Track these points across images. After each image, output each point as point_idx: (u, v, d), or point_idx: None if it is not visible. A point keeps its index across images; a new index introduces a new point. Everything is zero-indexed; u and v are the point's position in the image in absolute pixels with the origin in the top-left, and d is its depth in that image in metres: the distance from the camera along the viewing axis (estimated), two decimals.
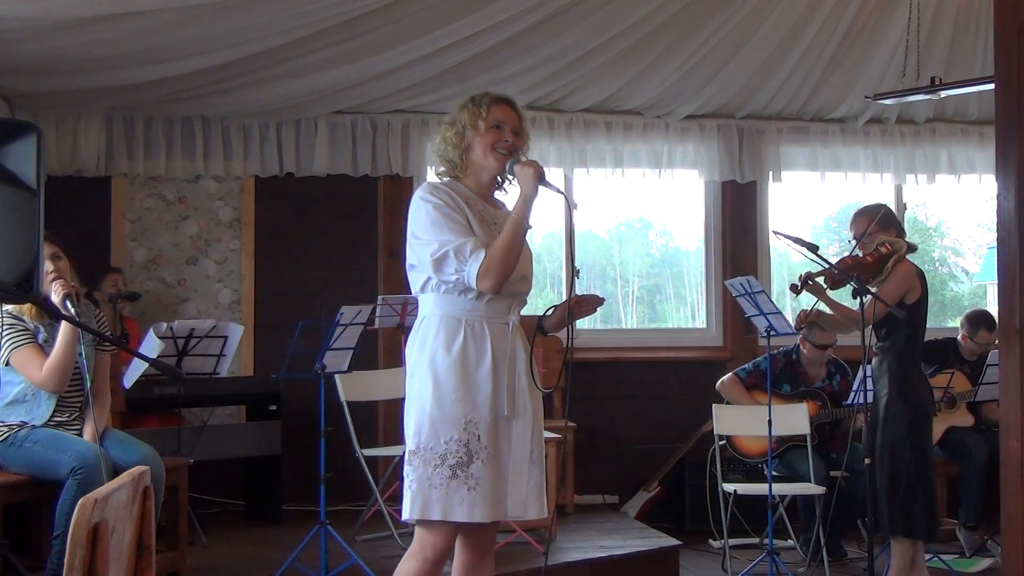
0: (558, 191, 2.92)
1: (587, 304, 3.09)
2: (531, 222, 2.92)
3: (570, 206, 3.00)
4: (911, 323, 4.53)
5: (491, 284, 2.82)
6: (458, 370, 2.85)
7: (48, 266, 3.91)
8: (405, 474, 2.86)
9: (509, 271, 2.84)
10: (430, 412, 2.84)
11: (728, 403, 5.68)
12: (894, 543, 4.60)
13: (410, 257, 2.95)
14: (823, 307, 4.64)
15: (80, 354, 3.91)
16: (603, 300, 3.14)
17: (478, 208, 2.97)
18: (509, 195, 3.07)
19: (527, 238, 3.00)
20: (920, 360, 4.68)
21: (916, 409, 4.52)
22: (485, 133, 2.99)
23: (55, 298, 3.80)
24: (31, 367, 3.88)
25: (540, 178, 2.89)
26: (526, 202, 2.88)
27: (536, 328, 3.05)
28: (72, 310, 3.74)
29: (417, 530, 2.90)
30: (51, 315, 3.82)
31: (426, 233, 2.88)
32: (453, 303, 2.90)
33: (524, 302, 3.04)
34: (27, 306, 3.91)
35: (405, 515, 2.84)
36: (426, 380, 2.87)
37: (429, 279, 2.90)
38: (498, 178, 3.03)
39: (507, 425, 2.90)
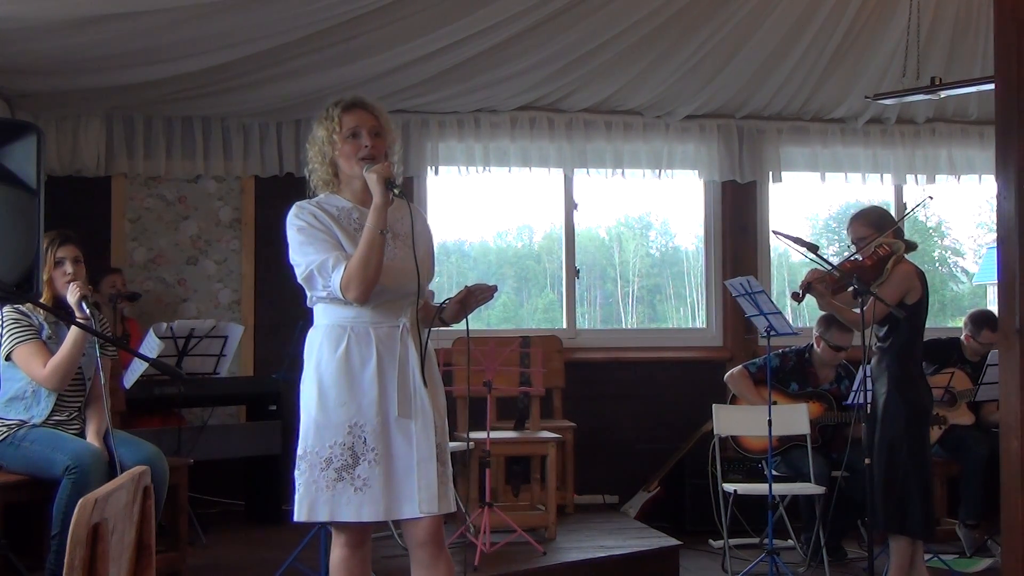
0: (401, 195, 2.91)
1: (480, 293, 3.09)
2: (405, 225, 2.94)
3: (410, 208, 2.98)
4: (911, 323, 4.52)
5: (355, 294, 2.86)
6: (342, 375, 2.90)
7: (68, 268, 3.93)
8: (295, 477, 2.92)
9: (371, 279, 2.85)
10: (315, 417, 2.91)
11: (735, 396, 5.68)
12: (893, 542, 4.60)
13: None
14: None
15: (83, 354, 3.92)
16: (495, 288, 3.14)
17: (353, 218, 2.98)
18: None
19: (431, 237, 3.09)
20: (919, 360, 4.68)
21: (914, 408, 4.52)
22: (342, 145, 2.98)
23: (71, 299, 3.82)
24: (34, 363, 3.89)
25: (386, 183, 2.86)
26: (376, 209, 2.86)
27: (434, 318, 3.08)
28: (87, 311, 3.76)
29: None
30: (60, 316, 3.82)
31: (295, 255, 2.96)
32: (338, 312, 2.96)
33: (415, 303, 2.98)
34: None
35: (296, 517, 2.92)
36: (312, 387, 2.94)
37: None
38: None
39: (404, 425, 2.92)
